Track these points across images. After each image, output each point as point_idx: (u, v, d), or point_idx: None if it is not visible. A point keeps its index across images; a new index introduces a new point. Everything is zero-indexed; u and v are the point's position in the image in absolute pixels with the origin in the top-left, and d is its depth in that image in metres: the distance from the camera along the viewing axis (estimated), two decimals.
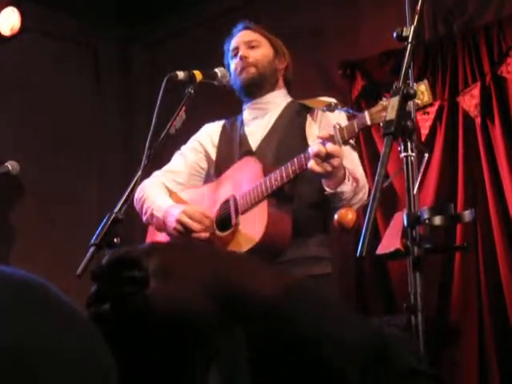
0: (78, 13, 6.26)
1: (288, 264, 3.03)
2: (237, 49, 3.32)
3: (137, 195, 3.31)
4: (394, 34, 2.15)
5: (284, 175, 2.92)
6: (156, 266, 0.80)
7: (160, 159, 3.13)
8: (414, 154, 2.04)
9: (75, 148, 6.34)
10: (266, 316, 0.78)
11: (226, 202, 3.15)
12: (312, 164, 2.74)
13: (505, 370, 4.48)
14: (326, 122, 3.10)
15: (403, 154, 2.04)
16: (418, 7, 2.14)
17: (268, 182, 2.97)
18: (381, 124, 2.67)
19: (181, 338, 0.79)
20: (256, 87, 3.30)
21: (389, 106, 2.04)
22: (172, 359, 0.80)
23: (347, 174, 2.89)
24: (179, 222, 3.09)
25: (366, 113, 2.68)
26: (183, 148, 3.47)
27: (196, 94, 3.07)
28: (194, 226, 3.08)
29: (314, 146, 2.75)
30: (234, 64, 3.31)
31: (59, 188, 6.17)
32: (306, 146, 2.99)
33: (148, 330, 0.79)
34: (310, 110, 3.19)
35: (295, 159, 2.88)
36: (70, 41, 6.48)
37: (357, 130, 2.72)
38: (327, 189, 2.89)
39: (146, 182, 3.36)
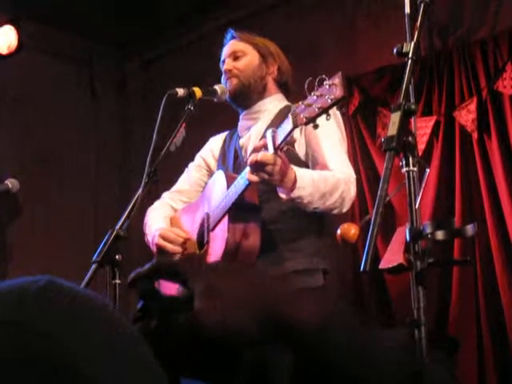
0: (75, 31, 6.29)
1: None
2: (224, 62, 3.33)
3: (144, 220, 3.40)
4: (395, 50, 2.16)
5: (235, 188, 2.89)
6: (203, 287, 0.82)
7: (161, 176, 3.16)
8: (415, 169, 2.04)
9: (72, 164, 6.35)
10: (310, 343, 0.79)
11: (203, 219, 3.16)
12: (248, 174, 2.72)
13: (504, 383, 4.48)
14: (311, 132, 3.03)
15: (405, 169, 2.04)
16: (418, 23, 2.16)
17: (228, 196, 2.94)
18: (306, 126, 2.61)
19: (224, 354, 0.80)
20: (241, 97, 3.28)
21: (390, 122, 2.05)
22: (213, 373, 0.82)
23: (300, 178, 2.80)
24: (157, 245, 3.14)
25: (289, 116, 2.60)
26: (190, 165, 3.51)
27: (196, 111, 3.08)
28: (168, 247, 3.12)
29: (249, 156, 2.72)
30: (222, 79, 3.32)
31: (56, 205, 6.18)
32: (295, 152, 3.00)
33: (194, 346, 0.80)
34: None
35: (244, 171, 2.83)
36: (66, 58, 6.50)
37: (284, 135, 2.62)
38: (281, 195, 2.84)
39: (153, 206, 3.44)
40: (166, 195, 3.50)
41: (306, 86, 2.54)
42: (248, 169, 2.73)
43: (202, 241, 3.12)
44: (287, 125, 2.61)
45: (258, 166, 2.67)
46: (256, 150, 2.74)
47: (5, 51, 5.65)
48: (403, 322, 2.00)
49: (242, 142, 3.31)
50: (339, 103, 2.44)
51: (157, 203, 3.47)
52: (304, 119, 2.53)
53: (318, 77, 2.50)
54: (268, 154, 2.64)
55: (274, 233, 3.01)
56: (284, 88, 3.36)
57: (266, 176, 2.68)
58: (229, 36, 3.38)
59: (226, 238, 2.89)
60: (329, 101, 2.43)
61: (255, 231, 2.96)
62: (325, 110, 2.46)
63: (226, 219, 2.94)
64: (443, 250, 4.58)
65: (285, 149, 2.74)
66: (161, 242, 3.13)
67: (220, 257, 2.88)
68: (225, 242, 2.89)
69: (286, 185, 2.78)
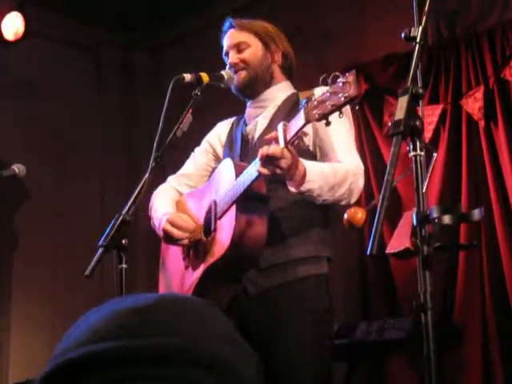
0: (82, 18, 6.29)
1: (275, 269, 3.02)
2: (227, 53, 3.30)
3: (150, 203, 3.37)
4: (402, 35, 2.16)
5: (244, 178, 2.88)
6: None
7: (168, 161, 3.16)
8: (422, 154, 2.04)
9: (78, 150, 6.37)
10: None
11: (210, 206, 3.15)
12: (259, 167, 2.70)
13: (509, 371, 4.49)
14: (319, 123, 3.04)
15: (412, 154, 2.03)
16: (426, 7, 2.15)
17: (236, 186, 2.93)
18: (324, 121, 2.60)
19: None
20: (250, 89, 3.26)
21: (397, 106, 2.05)
22: None
23: (310, 171, 2.79)
24: (164, 230, 3.12)
25: (302, 111, 2.60)
26: (196, 150, 3.48)
27: (203, 96, 3.07)
28: (175, 233, 3.09)
29: (261, 149, 2.70)
30: (227, 69, 3.30)
31: (62, 190, 6.21)
32: (304, 144, 3.00)
33: None
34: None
35: (254, 162, 2.82)
36: (73, 45, 6.52)
37: (296, 130, 2.63)
38: (291, 189, 2.84)
39: (158, 189, 3.41)
40: (171, 179, 3.48)
41: (320, 82, 2.55)
42: (258, 161, 2.72)
43: (209, 227, 3.12)
44: (299, 120, 2.62)
45: (268, 160, 2.66)
46: (266, 142, 2.74)
47: (11, 38, 5.66)
48: (409, 307, 2.00)
49: (248, 129, 3.31)
50: (353, 102, 2.45)
51: (162, 187, 3.44)
52: (317, 115, 2.54)
53: (332, 74, 2.50)
54: (278, 148, 2.64)
55: (281, 221, 3.01)
56: (289, 72, 3.34)
57: (276, 170, 2.68)
58: (227, 25, 3.34)
59: (233, 228, 2.89)
60: (342, 99, 2.43)
61: (263, 221, 2.96)
62: (338, 108, 2.47)
63: (233, 209, 2.94)
64: (449, 235, 4.59)
65: (295, 143, 2.74)
66: (168, 228, 3.11)
67: (227, 246, 2.90)
68: (232, 232, 2.89)
69: (296, 178, 2.78)
